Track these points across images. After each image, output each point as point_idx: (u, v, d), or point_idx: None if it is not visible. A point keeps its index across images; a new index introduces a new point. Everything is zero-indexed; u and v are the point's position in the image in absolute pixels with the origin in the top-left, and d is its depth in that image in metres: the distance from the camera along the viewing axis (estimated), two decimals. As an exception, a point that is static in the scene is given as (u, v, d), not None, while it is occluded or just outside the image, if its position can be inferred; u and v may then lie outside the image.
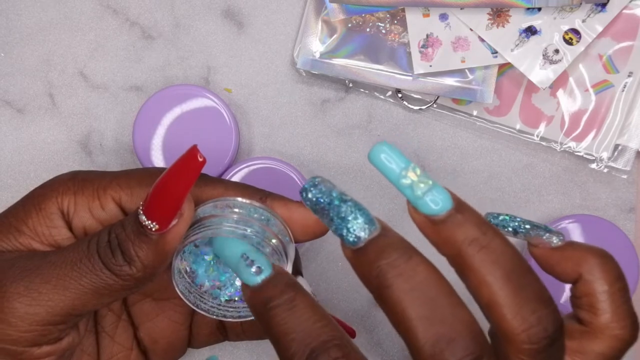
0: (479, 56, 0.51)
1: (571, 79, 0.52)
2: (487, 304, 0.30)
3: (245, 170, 0.50)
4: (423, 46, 0.52)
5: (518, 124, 0.53)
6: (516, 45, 0.51)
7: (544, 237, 0.34)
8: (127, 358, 0.40)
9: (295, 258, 0.37)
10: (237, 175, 0.50)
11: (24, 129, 0.53)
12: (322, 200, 0.30)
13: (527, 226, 0.34)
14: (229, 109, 0.51)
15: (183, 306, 0.41)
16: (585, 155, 0.53)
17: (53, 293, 0.34)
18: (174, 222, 0.34)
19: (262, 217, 0.36)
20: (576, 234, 0.50)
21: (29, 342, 0.34)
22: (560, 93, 0.53)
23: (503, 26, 0.51)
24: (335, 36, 0.52)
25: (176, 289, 0.37)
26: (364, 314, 0.52)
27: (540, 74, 0.51)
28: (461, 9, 0.51)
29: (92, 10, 0.54)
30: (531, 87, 0.52)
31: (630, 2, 0.51)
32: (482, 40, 0.51)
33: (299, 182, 0.50)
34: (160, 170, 0.38)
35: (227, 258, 0.34)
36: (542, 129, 0.53)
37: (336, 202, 0.30)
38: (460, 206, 0.30)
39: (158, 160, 0.50)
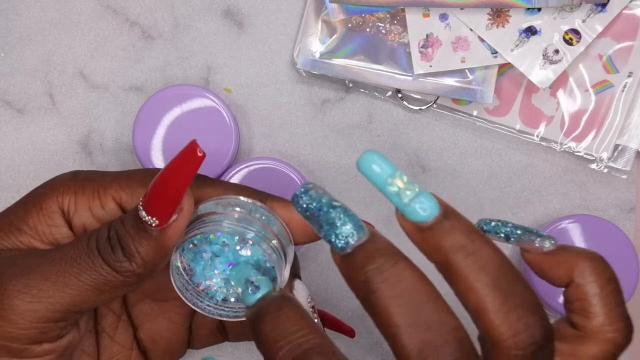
0: (479, 56, 0.51)
1: (571, 79, 0.52)
2: (475, 310, 0.30)
3: (245, 171, 0.50)
4: (423, 46, 0.52)
5: (518, 124, 0.53)
6: (516, 46, 0.51)
7: (536, 242, 0.34)
8: (127, 358, 0.40)
9: (293, 260, 0.38)
10: (236, 176, 0.50)
11: (23, 129, 0.53)
12: (312, 207, 0.31)
13: (519, 231, 0.34)
14: (229, 109, 0.51)
15: (182, 307, 0.41)
16: (585, 156, 0.53)
17: (53, 290, 0.34)
18: (173, 218, 0.34)
19: (263, 217, 0.36)
20: (576, 234, 0.50)
21: (30, 340, 0.34)
22: (560, 93, 0.53)
23: (503, 26, 0.51)
24: (335, 36, 0.52)
25: (174, 285, 0.37)
26: (363, 313, 0.52)
27: (540, 74, 0.51)
28: (461, 9, 0.51)
29: (92, 11, 0.54)
30: (531, 87, 0.52)
31: (630, 2, 0.51)
32: (482, 40, 0.51)
33: (298, 182, 0.50)
34: (160, 170, 0.38)
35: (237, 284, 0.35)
36: (542, 129, 0.53)
37: (325, 209, 0.30)
38: (447, 213, 0.30)
39: (158, 160, 0.50)
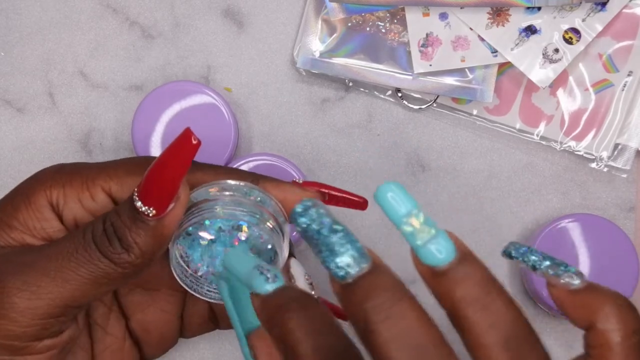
0: (479, 55, 0.51)
1: (571, 78, 0.52)
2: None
3: (245, 167, 0.50)
4: (423, 45, 0.52)
5: (518, 123, 0.53)
6: (516, 45, 0.51)
7: (564, 278, 0.31)
8: (121, 349, 0.40)
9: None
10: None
11: (24, 128, 0.53)
12: (311, 228, 0.29)
13: (547, 263, 0.32)
14: (228, 105, 0.51)
15: (174, 296, 0.41)
16: (585, 155, 0.53)
17: (52, 286, 0.34)
18: (171, 206, 0.34)
19: (258, 199, 0.36)
20: (576, 233, 0.50)
21: (31, 337, 0.34)
22: (560, 92, 0.53)
23: (503, 25, 0.51)
24: (335, 35, 0.52)
25: (174, 273, 0.37)
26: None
27: (540, 73, 0.51)
28: (461, 8, 0.51)
29: (92, 10, 0.54)
30: (531, 86, 0.52)
31: (630, 1, 0.51)
32: (482, 39, 0.51)
33: (297, 178, 0.50)
34: (147, 158, 0.38)
35: (237, 270, 0.33)
36: (542, 128, 0.53)
37: (325, 232, 0.28)
38: (464, 258, 0.29)
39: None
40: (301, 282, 0.36)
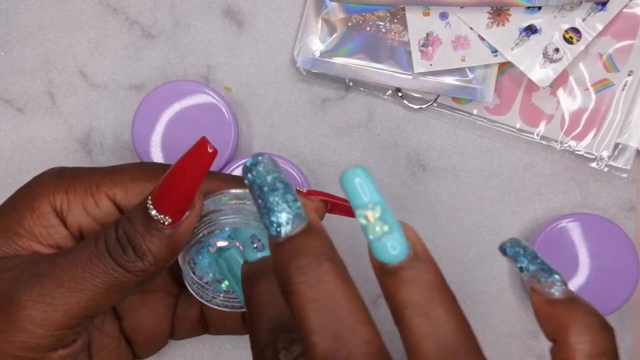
0: (479, 55, 0.51)
1: (571, 78, 0.52)
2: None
3: (245, 167, 0.50)
4: (423, 45, 0.52)
5: (518, 122, 0.53)
6: (516, 44, 0.51)
7: (544, 287, 0.31)
8: (118, 348, 0.40)
9: None
10: (236, 171, 0.50)
11: (24, 128, 0.53)
12: (255, 183, 0.29)
13: (533, 267, 0.31)
14: (228, 104, 0.51)
15: (166, 299, 0.41)
16: (585, 154, 0.53)
17: (67, 297, 0.34)
18: (186, 215, 0.34)
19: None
20: (576, 233, 0.50)
21: (46, 348, 0.34)
22: (560, 92, 0.53)
23: (503, 25, 0.51)
24: (335, 35, 0.52)
25: (185, 280, 0.37)
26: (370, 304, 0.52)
27: (540, 73, 0.51)
28: (461, 7, 0.51)
29: (92, 9, 0.54)
30: (531, 86, 0.52)
31: (630, 1, 0.51)
32: (482, 39, 0.51)
33: (298, 178, 0.50)
34: (152, 165, 0.38)
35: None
36: (542, 127, 0.53)
37: (266, 189, 0.29)
38: (416, 259, 0.28)
39: (157, 157, 0.50)
40: None
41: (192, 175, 0.33)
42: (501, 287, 0.53)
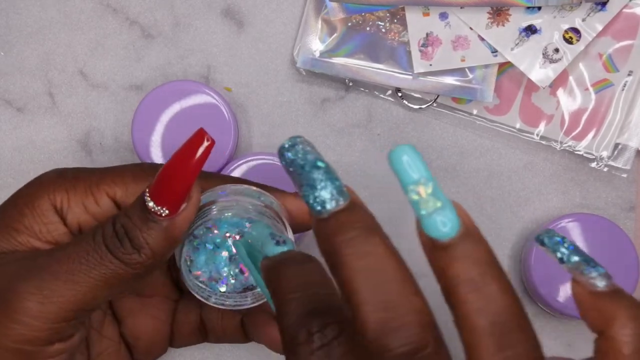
0: (479, 55, 0.51)
1: (571, 78, 0.52)
2: (467, 348, 0.28)
3: (244, 166, 0.50)
4: (423, 45, 0.52)
5: (518, 122, 0.53)
6: (516, 44, 0.51)
7: (589, 278, 0.31)
8: (117, 352, 0.40)
9: None
10: (236, 171, 0.50)
11: (23, 128, 0.53)
12: (295, 163, 0.29)
13: (576, 258, 0.31)
14: (228, 104, 0.51)
15: (165, 304, 0.41)
16: (585, 154, 0.53)
17: (64, 289, 0.34)
18: (183, 207, 0.34)
19: (267, 202, 0.37)
20: (576, 233, 0.50)
21: (43, 341, 0.34)
22: (560, 92, 0.53)
23: (503, 25, 0.51)
24: (335, 35, 0.52)
25: (183, 277, 0.37)
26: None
27: (540, 73, 0.51)
28: (461, 7, 0.51)
29: (92, 9, 0.54)
30: (531, 86, 0.52)
31: (630, 1, 0.51)
32: (482, 39, 0.51)
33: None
34: (152, 165, 0.38)
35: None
36: (542, 127, 0.53)
37: (307, 168, 0.29)
38: (468, 235, 0.28)
39: (157, 157, 0.50)
40: None
41: (189, 165, 0.33)
42: (501, 287, 0.53)
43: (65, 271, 0.34)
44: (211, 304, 0.38)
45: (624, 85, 0.52)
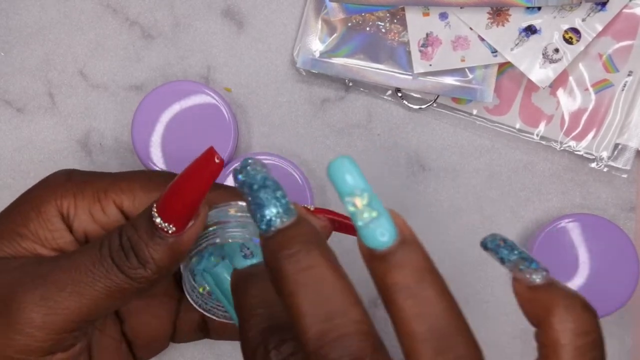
0: (479, 55, 0.51)
1: (571, 78, 0.52)
2: (407, 355, 0.28)
3: (245, 167, 0.50)
4: (423, 45, 0.52)
5: (518, 123, 0.53)
6: (516, 45, 0.51)
7: (525, 274, 0.31)
8: (118, 350, 0.40)
9: None
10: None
11: (23, 128, 0.53)
12: (245, 183, 0.30)
13: (514, 257, 0.31)
14: (228, 105, 0.51)
15: (168, 303, 0.41)
16: (585, 155, 0.53)
17: (69, 301, 0.34)
18: (190, 224, 0.34)
19: None
20: (576, 233, 0.50)
21: (45, 352, 0.34)
22: (560, 92, 0.53)
23: (503, 25, 0.51)
24: (335, 35, 0.52)
25: (185, 290, 0.37)
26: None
27: (540, 73, 0.51)
28: (461, 8, 0.51)
29: (91, 10, 0.54)
30: (531, 86, 0.52)
31: (630, 1, 0.51)
32: (482, 39, 0.51)
33: (298, 178, 0.50)
34: (161, 174, 0.38)
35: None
36: (542, 128, 0.53)
37: (255, 187, 0.30)
38: (404, 243, 0.28)
39: (157, 157, 0.50)
40: None
41: (197, 185, 0.33)
42: (503, 287, 0.53)
43: (71, 282, 0.34)
44: (211, 316, 0.38)
45: (624, 86, 0.52)
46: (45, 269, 0.35)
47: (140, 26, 0.54)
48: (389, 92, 0.53)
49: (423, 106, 0.53)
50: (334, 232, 0.37)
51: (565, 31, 0.51)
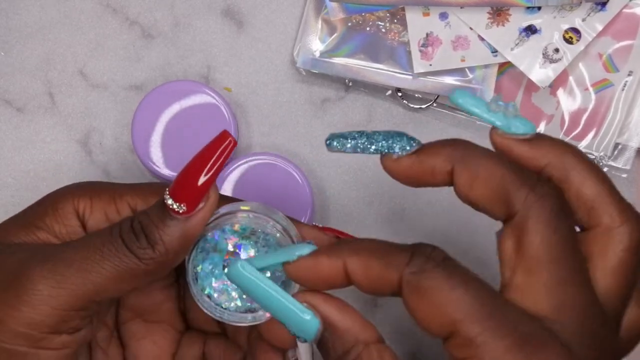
0: (479, 55, 0.51)
1: (571, 78, 0.52)
2: (593, 199, 0.34)
3: (245, 166, 0.50)
4: (423, 45, 0.52)
5: (518, 123, 0.53)
6: (516, 44, 0.51)
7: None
8: None
9: None
10: (236, 171, 0.50)
11: (23, 128, 0.53)
12: (355, 145, 0.35)
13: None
14: (228, 105, 0.51)
15: (170, 332, 0.41)
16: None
17: (76, 276, 0.34)
18: (200, 206, 0.35)
19: (281, 221, 0.37)
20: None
21: (50, 328, 0.35)
22: (560, 92, 0.53)
23: (503, 25, 0.51)
24: (335, 35, 0.52)
25: (190, 287, 0.37)
26: (364, 313, 0.52)
27: (540, 73, 0.51)
28: (461, 7, 0.51)
29: (91, 10, 0.54)
30: (531, 86, 0.52)
31: (630, 1, 0.51)
32: (482, 39, 0.51)
33: (298, 178, 0.50)
34: None
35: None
36: (542, 128, 0.53)
37: (365, 138, 0.35)
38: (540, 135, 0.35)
39: (157, 157, 0.50)
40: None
41: (210, 163, 0.34)
42: (501, 287, 0.53)
43: (79, 259, 0.35)
44: (213, 316, 0.38)
45: (624, 85, 0.52)
46: (57, 248, 0.36)
47: (140, 26, 0.54)
48: (389, 92, 0.53)
49: (423, 106, 0.53)
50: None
51: (566, 31, 0.51)
